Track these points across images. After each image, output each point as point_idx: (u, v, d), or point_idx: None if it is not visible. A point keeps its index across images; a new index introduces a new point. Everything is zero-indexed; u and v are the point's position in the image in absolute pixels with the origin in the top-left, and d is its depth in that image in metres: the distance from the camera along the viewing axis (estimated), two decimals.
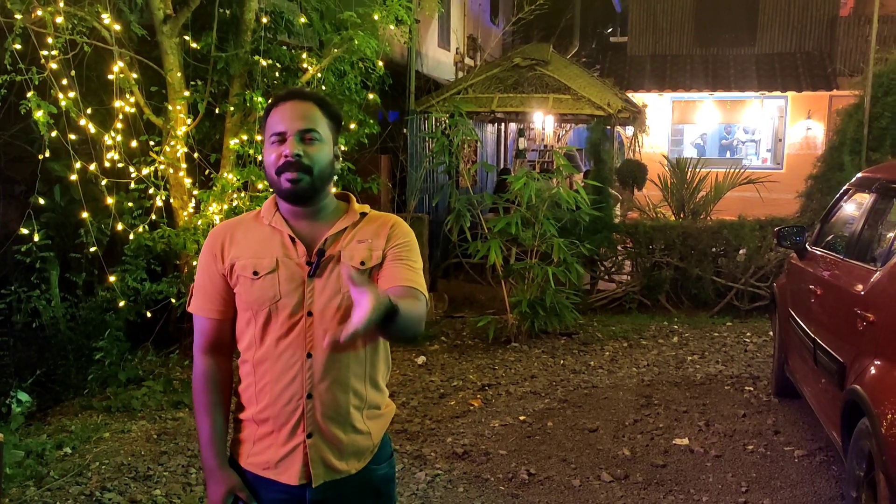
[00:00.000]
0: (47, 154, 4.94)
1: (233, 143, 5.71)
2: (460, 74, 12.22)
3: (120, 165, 5.34)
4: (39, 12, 4.80)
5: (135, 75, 5.40)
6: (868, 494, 3.03)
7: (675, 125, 16.14)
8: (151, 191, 5.50)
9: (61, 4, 4.88)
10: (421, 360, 6.29)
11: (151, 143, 5.54)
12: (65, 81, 4.96)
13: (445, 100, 8.53)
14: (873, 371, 3.09)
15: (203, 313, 1.89)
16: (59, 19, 4.87)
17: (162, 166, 5.53)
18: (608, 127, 8.58)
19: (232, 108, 5.71)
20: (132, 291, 5.35)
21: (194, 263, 4.80)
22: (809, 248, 4.68)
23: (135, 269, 5.38)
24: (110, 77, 5.24)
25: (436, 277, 8.71)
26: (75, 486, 3.89)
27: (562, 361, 6.32)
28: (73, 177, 5.13)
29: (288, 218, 1.85)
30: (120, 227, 5.36)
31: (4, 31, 4.72)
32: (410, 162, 8.81)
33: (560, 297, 6.75)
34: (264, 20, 5.88)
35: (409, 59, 8.77)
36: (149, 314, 5.49)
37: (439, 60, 12.26)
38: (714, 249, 8.12)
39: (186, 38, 5.66)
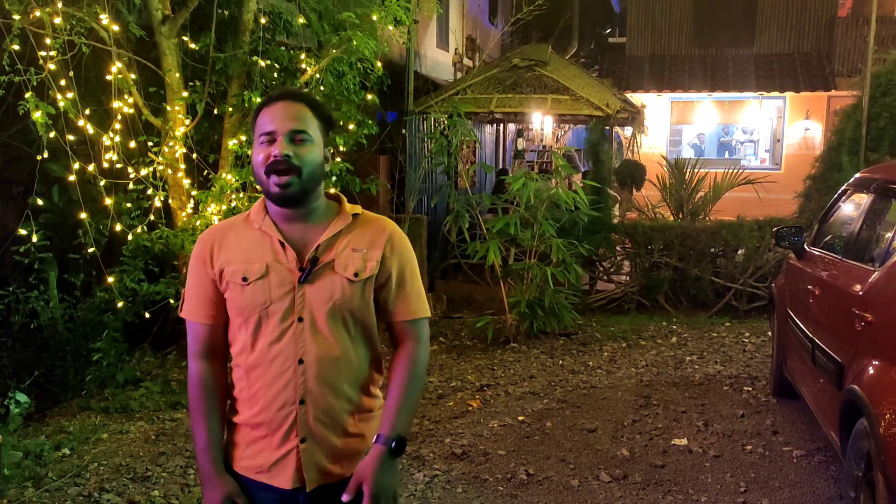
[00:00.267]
0: (45, 155, 4.94)
1: (231, 143, 5.71)
2: (459, 75, 12.23)
3: (118, 166, 5.34)
4: (38, 13, 4.80)
5: (133, 76, 5.39)
6: (867, 494, 3.03)
7: (673, 125, 16.15)
8: (150, 191, 5.50)
9: (59, 5, 4.88)
10: None
11: (150, 143, 5.53)
12: (63, 82, 4.96)
13: (444, 100, 8.53)
14: (871, 371, 3.09)
15: (195, 318, 1.87)
16: (58, 20, 4.87)
17: (160, 167, 5.53)
18: (607, 127, 8.59)
19: (230, 109, 5.70)
20: (130, 292, 5.34)
21: None
22: (808, 249, 4.68)
23: (133, 269, 5.37)
24: (109, 78, 5.24)
25: (434, 278, 8.71)
26: (74, 487, 3.89)
27: (560, 362, 6.32)
28: (72, 177, 5.12)
29: (278, 221, 1.83)
30: (118, 227, 5.36)
31: (3, 32, 4.72)
32: (409, 162, 8.81)
33: (559, 297, 6.75)
34: (263, 21, 5.88)
35: (407, 60, 8.77)
36: (147, 315, 5.48)
37: (438, 61, 12.26)
38: (713, 250, 8.13)
39: (185, 38, 5.66)
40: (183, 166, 5.65)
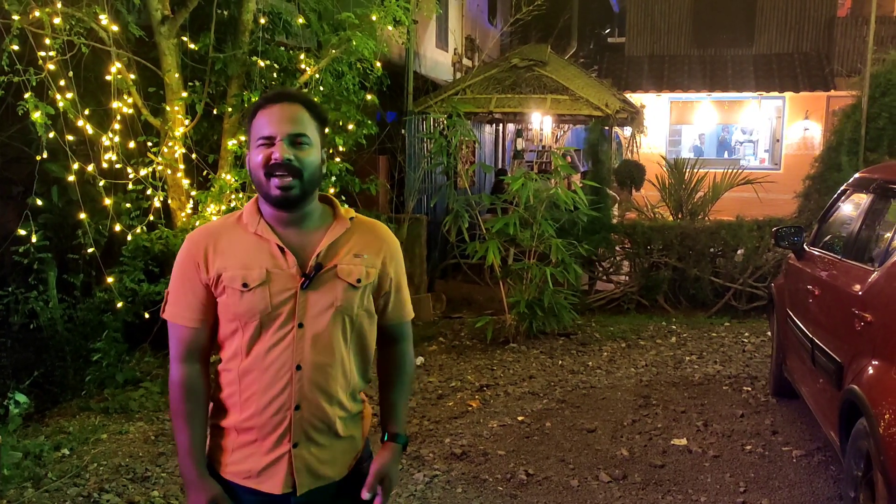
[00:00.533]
0: (45, 155, 4.94)
1: (231, 143, 5.71)
2: (458, 75, 12.22)
3: (118, 166, 5.34)
4: (37, 13, 4.80)
5: (132, 76, 5.39)
6: (866, 494, 3.03)
7: (672, 125, 16.16)
8: (149, 192, 5.50)
9: (59, 5, 4.88)
10: (419, 360, 6.28)
11: (149, 143, 5.54)
12: (62, 82, 4.96)
13: (443, 100, 8.53)
14: (871, 371, 3.09)
15: (180, 321, 1.81)
16: (57, 20, 4.87)
17: (160, 167, 5.52)
18: (606, 127, 8.59)
19: (230, 109, 5.70)
20: (130, 292, 5.34)
21: None
22: (807, 249, 4.68)
23: (132, 270, 5.37)
24: (108, 78, 5.24)
25: (434, 278, 8.71)
26: (73, 488, 3.89)
27: (560, 362, 6.32)
28: (71, 178, 5.12)
29: (273, 224, 1.80)
30: (118, 227, 5.36)
31: (2, 32, 4.72)
32: (408, 163, 8.81)
33: (558, 297, 6.75)
34: (262, 21, 5.88)
35: (407, 60, 8.78)
36: (146, 315, 5.48)
37: (437, 61, 12.25)
38: (712, 250, 8.13)
39: (184, 38, 5.66)
40: (182, 166, 5.65)
